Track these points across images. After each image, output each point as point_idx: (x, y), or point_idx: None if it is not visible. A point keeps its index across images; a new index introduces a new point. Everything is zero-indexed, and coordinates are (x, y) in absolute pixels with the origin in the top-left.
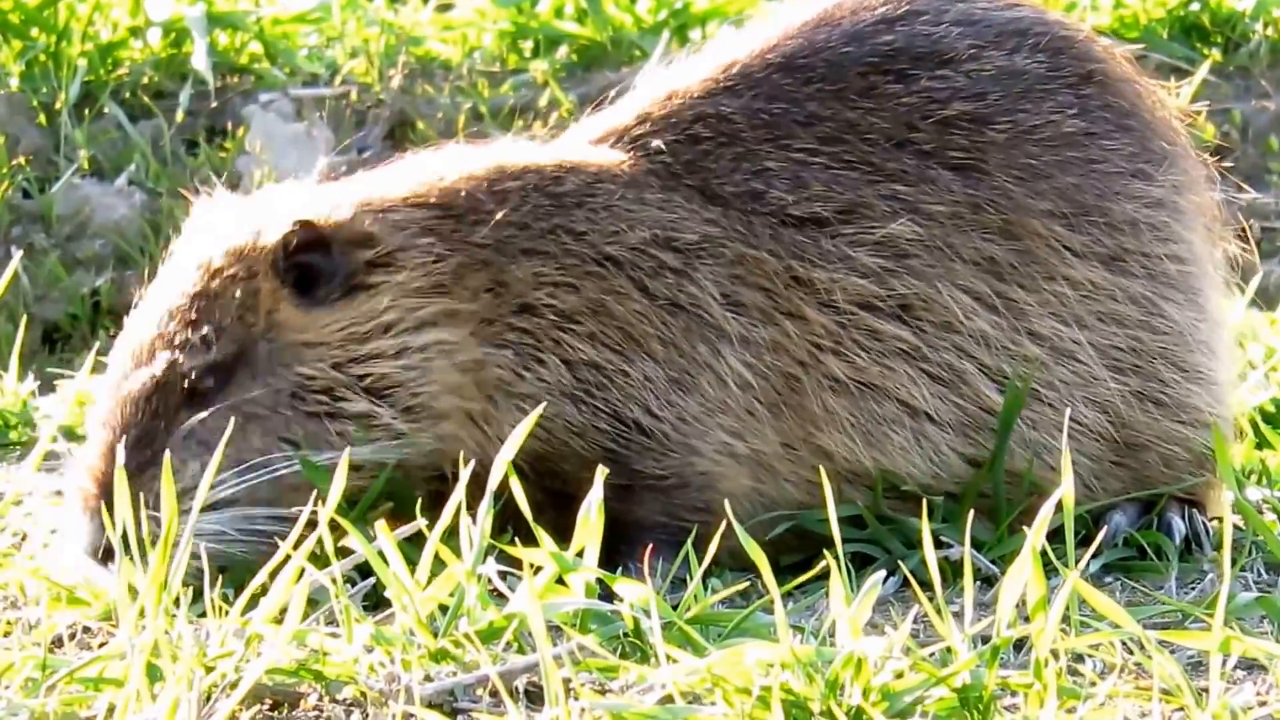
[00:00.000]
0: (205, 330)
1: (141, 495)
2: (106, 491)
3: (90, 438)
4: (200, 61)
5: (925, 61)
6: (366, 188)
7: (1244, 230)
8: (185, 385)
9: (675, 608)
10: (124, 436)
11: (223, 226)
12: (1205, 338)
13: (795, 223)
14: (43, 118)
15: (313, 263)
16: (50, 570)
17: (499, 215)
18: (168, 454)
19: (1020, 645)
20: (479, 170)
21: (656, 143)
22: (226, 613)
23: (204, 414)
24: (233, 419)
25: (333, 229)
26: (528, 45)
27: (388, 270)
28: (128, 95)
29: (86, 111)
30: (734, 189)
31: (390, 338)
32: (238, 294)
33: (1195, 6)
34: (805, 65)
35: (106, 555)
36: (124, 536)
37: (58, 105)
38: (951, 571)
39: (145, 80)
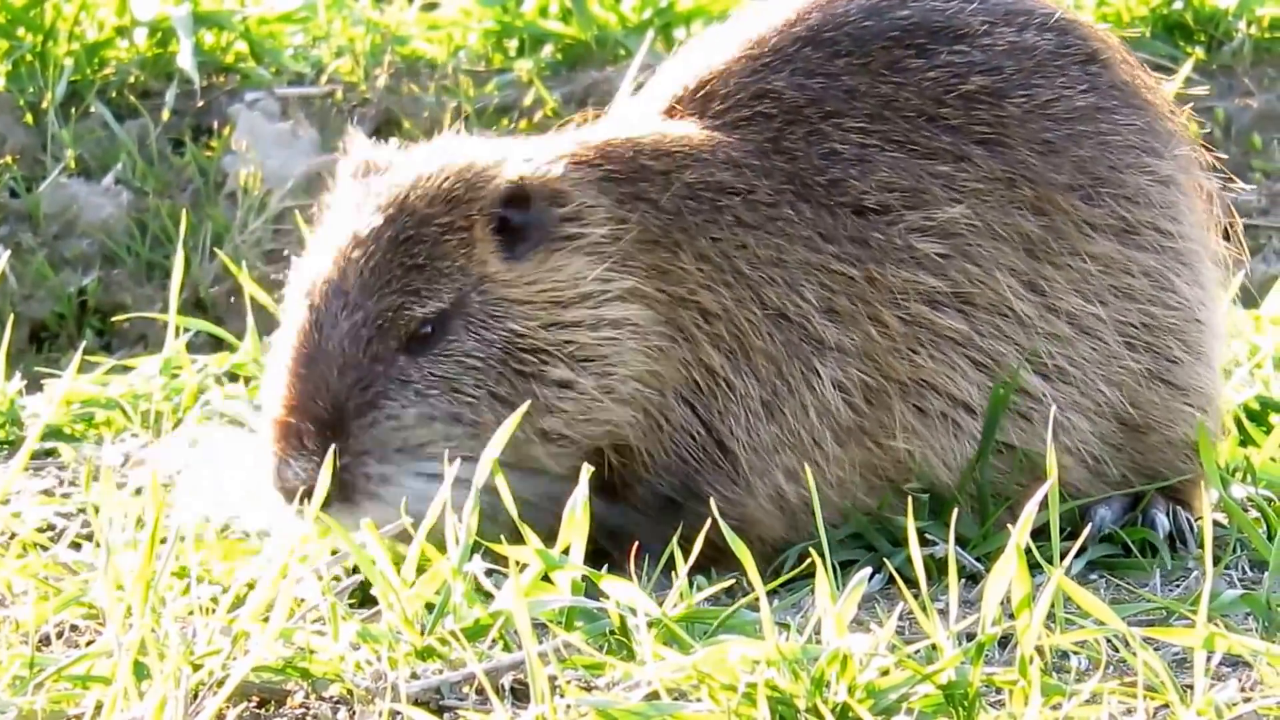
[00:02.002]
0: (425, 276)
1: (362, 439)
2: (323, 429)
3: (287, 373)
4: (186, 61)
5: (942, 36)
6: (527, 146)
7: (1230, 227)
8: (405, 330)
9: (661, 605)
10: (343, 376)
11: (422, 172)
12: (1208, 319)
13: (869, 214)
14: (29, 117)
15: (513, 217)
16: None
17: (653, 196)
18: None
19: (1005, 642)
20: (620, 145)
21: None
22: (213, 611)
23: (424, 360)
24: (449, 369)
25: (538, 185)
26: (513, 44)
27: (580, 228)
28: (114, 95)
29: (73, 111)
30: (819, 178)
31: (588, 308)
32: (453, 243)
33: (1179, 5)
34: (831, 39)
35: (303, 498)
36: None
37: (44, 105)
38: (937, 569)
39: (131, 80)
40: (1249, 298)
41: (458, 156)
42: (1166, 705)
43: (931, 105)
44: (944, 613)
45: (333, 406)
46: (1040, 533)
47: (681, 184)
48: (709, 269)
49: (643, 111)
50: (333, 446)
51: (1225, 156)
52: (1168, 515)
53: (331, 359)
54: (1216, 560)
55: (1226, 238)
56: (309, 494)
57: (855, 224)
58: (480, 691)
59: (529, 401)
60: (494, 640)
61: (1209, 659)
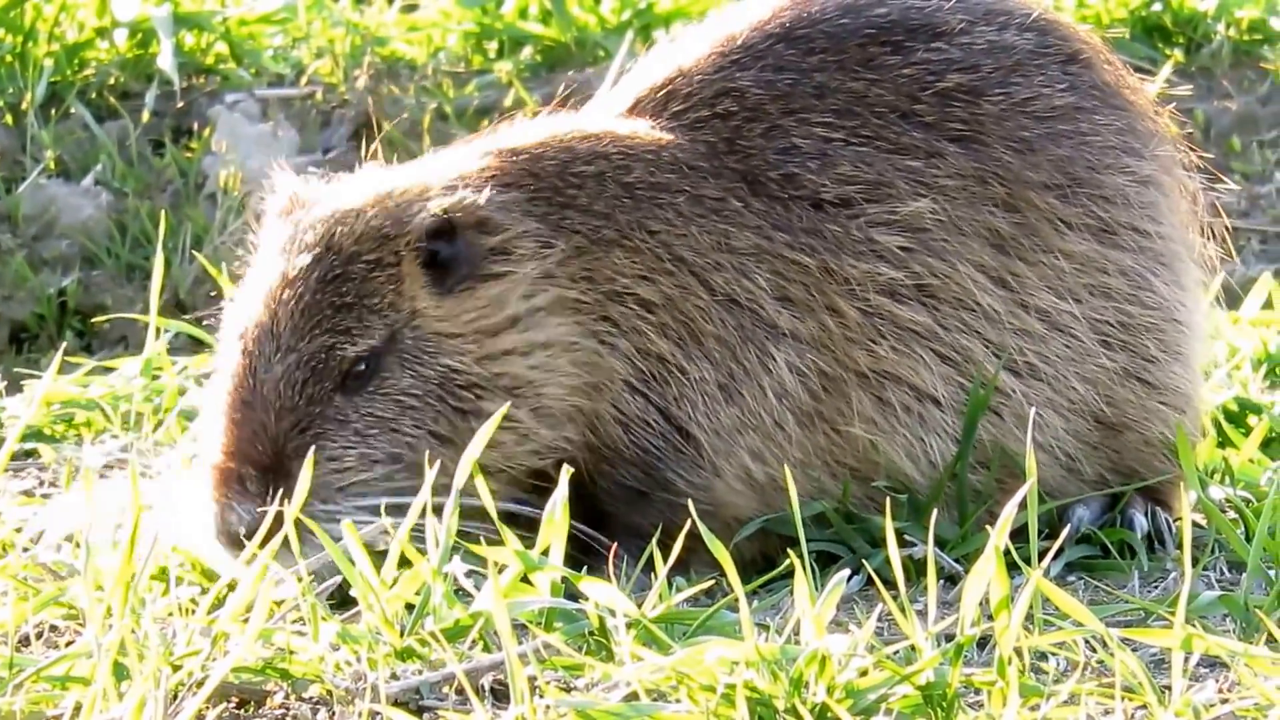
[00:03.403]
0: (356, 314)
1: (302, 483)
2: (264, 473)
3: (223, 418)
4: (166, 62)
5: (920, 34)
6: (453, 169)
7: (1214, 228)
8: (339, 370)
9: (640, 606)
10: (280, 420)
11: (348, 208)
12: (1187, 320)
13: (827, 206)
14: (9, 118)
15: (441, 250)
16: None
17: (584, 203)
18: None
19: (984, 643)
20: (553, 153)
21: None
22: (193, 611)
23: (360, 400)
24: (386, 408)
25: (462, 216)
26: (492, 46)
27: (506, 258)
28: (94, 96)
29: (53, 112)
30: (773, 173)
31: (517, 333)
32: (382, 279)
33: (1157, 7)
34: (805, 36)
35: (238, 542)
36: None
37: (24, 106)
38: (915, 570)
39: (111, 81)
40: (1229, 299)
41: (382, 188)
42: (1144, 706)
43: (906, 101)
44: (923, 614)
45: (272, 451)
46: (1019, 534)
47: (617, 185)
48: (645, 260)
49: (607, 111)
50: (275, 489)
51: (1210, 157)
52: (1146, 516)
53: (268, 403)
54: (1195, 561)
55: (1211, 238)
56: (251, 537)
57: (811, 216)
58: (460, 692)
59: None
60: (474, 641)
61: (1187, 660)
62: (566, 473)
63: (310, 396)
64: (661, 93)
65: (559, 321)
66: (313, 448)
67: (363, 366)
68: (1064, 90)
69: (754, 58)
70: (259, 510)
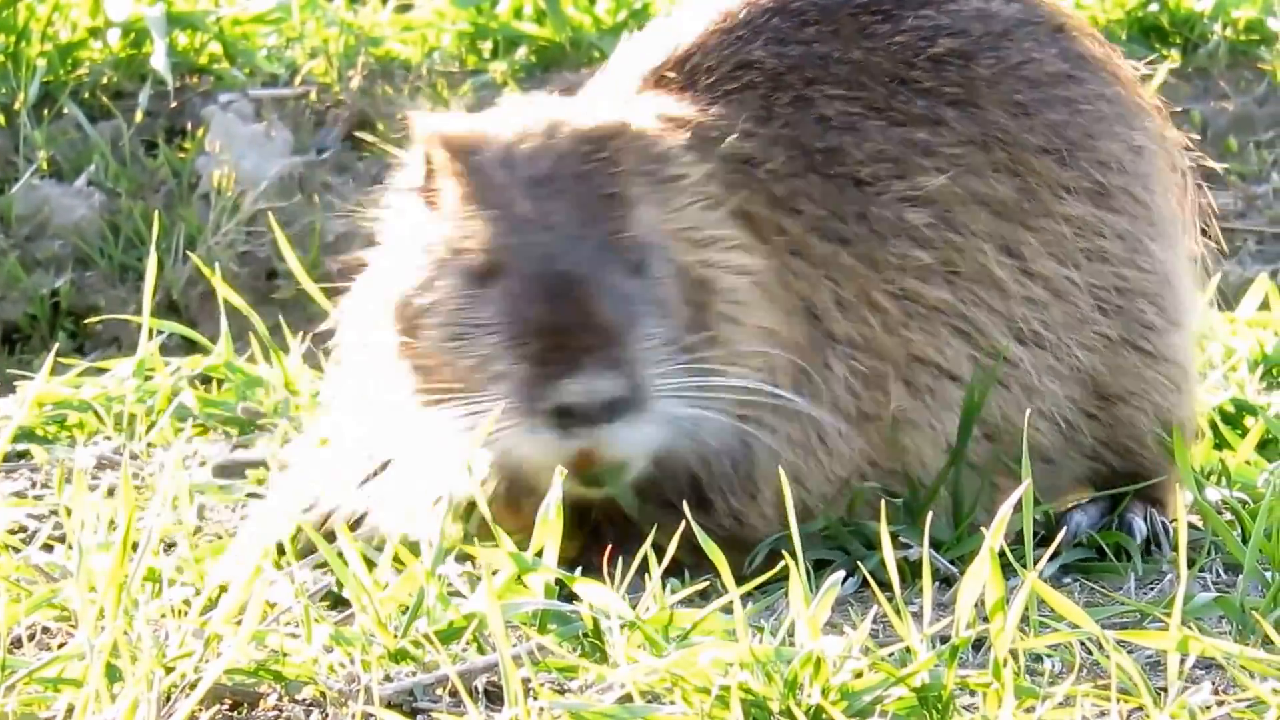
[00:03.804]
0: (621, 211)
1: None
2: (598, 345)
3: (529, 307)
4: (159, 62)
5: (908, 2)
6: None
7: (1207, 220)
8: (628, 258)
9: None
10: (598, 298)
11: (568, 125)
12: (1182, 288)
13: (865, 185)
14: (1, 118)
15: (660, 170)
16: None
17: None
18: None
19: (979, 645)
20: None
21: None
22: (186, 613)
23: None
24: (667, 296)
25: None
26: (487, 46)
27: (707, 183)
28: (87, 96)
29: (46, 112)
30: (819, 144)
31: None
32: (624, 187)
33: (1154, 7)
34: (798, 9)
35: (567, 417)
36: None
37: (17, 106)
38: (910, 571)
39: (104, 81)
40: (1225, 300)
41: (596, 112)
42: (1140, 708)
43: (903, 69)
44: (918, 616)
45: (600, 324)
46: (1015, 536)
47: (717, 160)
48: (735, 251)
49: (617, 90)
50: (615, 358)
51: (1205, 157)
52: (1144, 519)
53: (579, 282)
54: (1191, 563)
55: (1204, 234)
56: (596, 406)
57: (856, 197)
58: (454, 694)
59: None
60: (468, 643)
61: (1183, 662)
62: (561, 474)
63: (614, 277)
64: (685, 68)
65: (747, 256)
66: (636, 326)
67: (639, 258)
68: (1055, 57)
69: (754, 31)
70: (600, 380)
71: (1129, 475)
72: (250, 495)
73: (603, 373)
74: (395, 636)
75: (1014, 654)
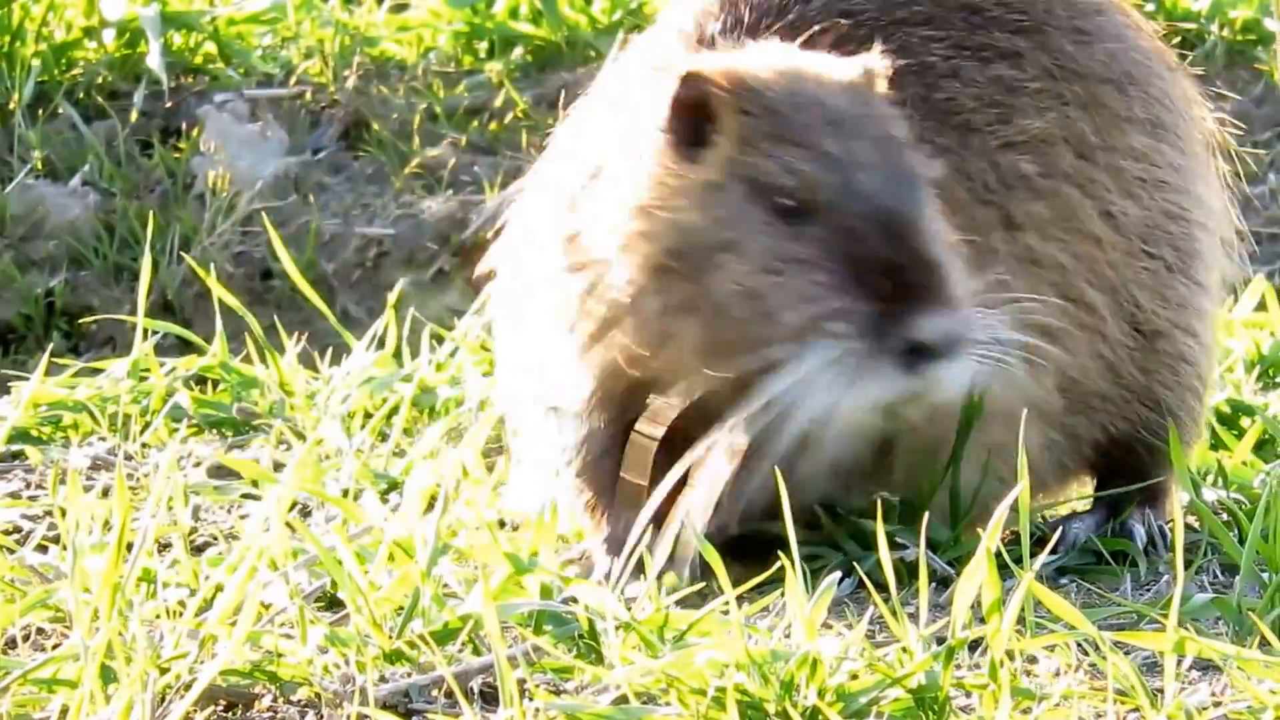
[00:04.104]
0: (910, 155)
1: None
2: (946, 286)
3: (885, 242)
4: (154, 62)
5: None
6: None
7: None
8: (932, 203)
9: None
10: (932, 239)
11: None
12: (1222, 233)
13: (981, 133)
14: None
15: None
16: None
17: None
18: None
19: (975, 646)
20: None
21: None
22: (180, 614)
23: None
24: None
25: None
26: (483, 46)
27: None
28: (82, 96)
29: (40, 112)
30: (941, 96)
31: None
32: (901, 130)
33: (1150, 7)
34: None
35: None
36: None
37: (11, 105)
38: (907, 572)
39: (99, 80)
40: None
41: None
42: (1137, 709)
43: None
44: (914, 617)
45: (937, 263)
46: (1013, 540)
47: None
48: None
49: (690, 40)
50: (953, 296)
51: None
52: (1143, 524)
53: (911, 221)
54: (1187, 564)
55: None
56: (949, 341)
57: (986, 154)
58: (449, 695)
59: None
60: (463, 644)
61: (1179, 663)
62: (555, 474)
63: (931, 220)
64: (787, 16)
65: None
66: (958, 264)
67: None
68: (1095, 5)
69: None
70: (950, 317)
71: (1132, 471)
72: (245, 496)
73: (949, 310)
74: (390, 637)
75: (1010, 655)
